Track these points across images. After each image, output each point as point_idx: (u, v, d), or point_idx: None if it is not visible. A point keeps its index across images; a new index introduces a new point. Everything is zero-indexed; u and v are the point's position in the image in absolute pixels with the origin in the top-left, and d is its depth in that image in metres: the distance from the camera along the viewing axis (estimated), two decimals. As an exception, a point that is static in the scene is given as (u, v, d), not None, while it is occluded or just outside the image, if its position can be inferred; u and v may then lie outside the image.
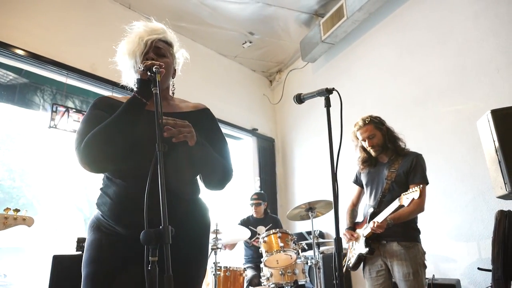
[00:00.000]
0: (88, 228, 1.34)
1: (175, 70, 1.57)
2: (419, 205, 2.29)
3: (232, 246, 4.00)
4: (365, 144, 2.58)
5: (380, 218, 2.28)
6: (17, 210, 2.16)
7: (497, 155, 2.18)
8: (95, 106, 1.39)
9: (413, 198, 2.04)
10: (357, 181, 2.78)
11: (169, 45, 1.52)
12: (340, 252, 1.42)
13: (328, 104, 1.63)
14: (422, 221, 3.06)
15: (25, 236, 3.22)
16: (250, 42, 5.28)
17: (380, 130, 2.55)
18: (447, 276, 3.04)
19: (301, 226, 4.89)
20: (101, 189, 1.37)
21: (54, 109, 3.34)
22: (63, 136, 3.43)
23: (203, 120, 1.50)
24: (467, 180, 3.12)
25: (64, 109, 3.39)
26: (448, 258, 3.17)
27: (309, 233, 4.11)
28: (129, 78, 1.47)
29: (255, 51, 5.55)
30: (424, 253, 2.36)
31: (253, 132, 5.61)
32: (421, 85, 3.66)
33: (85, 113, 1.43)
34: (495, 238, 2.15)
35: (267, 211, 4.28)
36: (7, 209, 2.14)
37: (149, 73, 1.26)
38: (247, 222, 4.04)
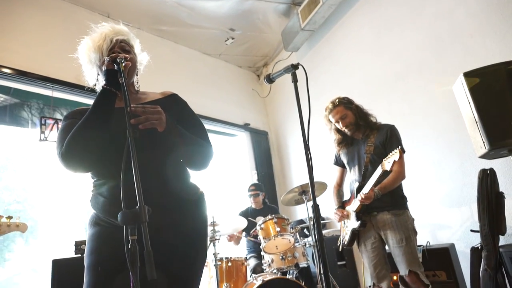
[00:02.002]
0: (88, 224, 1.37)
1: (138, 69, 1.61)
2: (400, 173, 2.38)
3: (237, 240, 4.06)
4: (339, 126, 2.66)
5: (366, 189, 2.34)
6: (10, 217, 2.22)
7: (474, 116, 2.22)
8: (67, 118, 1.44)
9: (394, 160, 2.10)
10: (338, 162, 2.87)
11: (131, 47, 1.56)
12: (318, 218, 1.47)
13: (295, 80, 1.67)
14: (414, 191, 3.12)
15: (22, 243, 3.30)
16: (233, 39, 5.32)
17: (350, 109, 2.64)
18: (443, 242, 3.08)
19: (301, 214, 4.93)
20: (92, 191, 1.39)
21: (43, 122, 3.39)
22: (54, 147, 3.49)
23: (173, 106, 1.52)
24: (453, 147, 3.17)
25: (53, 121, 3.45)
26: (443, 225, 3.21)
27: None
28: (91, 75, 1.51)
29: (239, 47, 5.59)
30: (413, 219, 2.43)
31: (245, 127, 5.66)
32: (401, 60, 3.71)
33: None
34: (479, 196, 2.19)
35: (266, 201, 4.33)
36: (0, 216, 2.20)
37: (115, 65, 1.32)
38: (246, 214, 4.08)
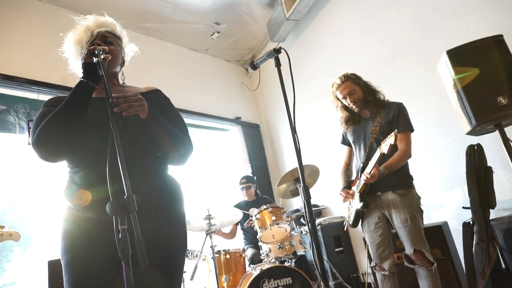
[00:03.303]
0: (61, 220, 1.34)
1: (123, 60, 1.60)
2: (405, 151, 2.36)
3: (232, 234, 4.07)
4: (346, 102, 2.59)
5: (369, 168, 2.30)
6: (2, 227, 2.21)
7: (458, 93, 2.24)
8: (45, 104, 1.42)
9: (390, 144, 2.05)
10: (345, 141, 2.82)
11: (118, 38, 1.55)
12: (308, 199, 1.48)
13: (278, 64, 1.68)
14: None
15: (21, 251, 3.27)
16: (218, 33, 5.30)
17: (358, 84, 2.57)
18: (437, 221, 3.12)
19: (297, 204, 4.95)
20: (66, 181, 1.37)
21: (30, 126, 3.37)
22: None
23: (156, 100, 1.51)
24: (442, 127, 3.20)
25: (40, 124, 3.42)
26: (436, 204, 3.25)
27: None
28: (77, 68, 1.49)
29: (225, 41, 5.57)
30: (419, 197, 2.41)
31: (237, 120, 5.66)
32: (386, 43, 3.72)
33: None
34: (468, 171, 2.22)
35: (258, 192, 4.34)
36: (-8, 226, 2.18)
37: (93, 58, 1.31)
38: (239, 207, 4.09)
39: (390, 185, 2.38)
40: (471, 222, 2.22)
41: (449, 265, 2.57)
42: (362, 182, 2.37)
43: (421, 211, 2.38)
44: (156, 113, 1.40)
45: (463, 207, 2.71)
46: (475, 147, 2.23)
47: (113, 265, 1.21)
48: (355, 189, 2.53)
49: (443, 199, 3.20)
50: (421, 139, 3.37)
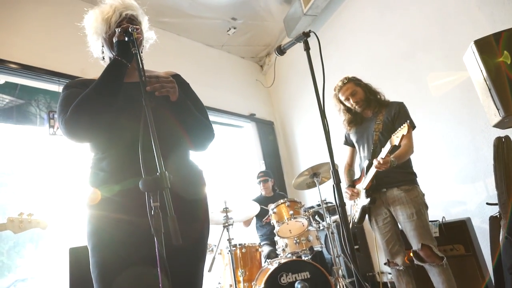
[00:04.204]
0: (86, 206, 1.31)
1: (143, 46, 1.58)
2: (409, 146, 2.38)
3: (247, 222, 4.06)
4: (349, 103, 2.67)
5: (382, 154, 2.30)
6: (30, 214, 2.22)
7: (486, 83, 2.19)
8: (69, 86, 1.39)
9: (403, 135, 2.08)
10: (347, 141, 2.88)
11: (140, 23, 1.54)
12: (338, 182, 1.46)
13: (307, 47, 1.66)
14: (427, 168, 3.10)
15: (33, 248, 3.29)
16: (235, 28, 5.30)
17: (359, 86, 2.66)
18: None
19: (311, 201, 4.91)
20: (91, 167, 1.34)
21: (51, 117, 3.40)
22: (64, 141, 3.49)
23: (177, 85, 1.48)
24: (464, 122, 3.13)
25: (60, 115, 3.45)
26: (457, 201, 3.19)
27: (318, 205, 4.14)
28: (96, 46, 1.48)
29: (241, 37, 5.57)
30: (423, 194, 2.43)
31: (251, 117, 5.66)
32: (406, 38, 3.67)
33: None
34: (496, 164, 2.16)
35: (275, 188, 4.32)
36: (21, 213, 2.20)
37: (125, 36, 1.31)
38: (257, 201, 4.07)
39: (394, 181, 2.43)
40: (498, 216, 2.16)
41: (473, 261, 2.52)
42: (369, 178, 2.42)
43: (427, 207, 2.41)
44: (184, 97, 1.40)
45: (487, 203, 2.66)
46: (503, 139, 2.17)
47: (140, 250, 1.20)
48: (360, 187, 2.58)
49: (465, 196, 3.14)
50: (441, 134, 3.32)
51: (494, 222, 2.18)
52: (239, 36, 5.53)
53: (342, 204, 1.43)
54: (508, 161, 2.11)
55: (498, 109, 2.11)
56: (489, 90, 2.16)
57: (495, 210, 2.76)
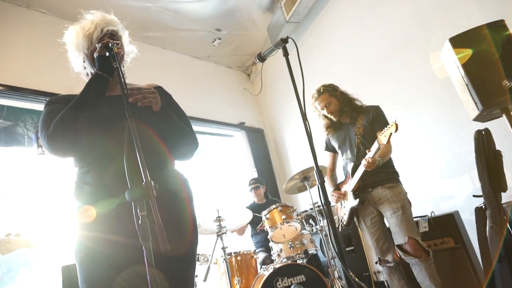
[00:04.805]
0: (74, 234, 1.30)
1: (125, 60, 1.60)
2: (390, 146, 2.48)
3: (241, 231, 4.06)
4: (325, 112, 2.75)
5: (370, 154, 2.35)
6: (18, 234, 2.21)
7: (463, 79, 2.25)
8: (52, 102, 1.40)
9: (391, 133, 2.12)
10: (328, 147, 2.94)
11: (120, 38, 1.55)
12: (322, 182, 1.50)
13: (286, 53, 1.71)
14: (414, 165, 3.14)
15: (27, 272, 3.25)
16: (219, 39, 5.37)
17: (334, 96, 2.72)
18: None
19: (304, 205, 4.93)
20: (75, 182, 1.34)
21: (39, 136, 3.39)
22: (53, 160, 3.49)
23: (160, 96, 1.50)
24: (447, 118, 3.20)
25: (48, 134, 3.45)
26: (445, 195, 3.24)
27: (311, 209, 4.17)
28: (77, 62, 1.50)
29: (226, 47, 5.63)
30: (406, 192, 2.51)
31: (241, 126, 5.69)
32: (387, 39, 3.76)
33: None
34: (477, 156, 2.22)
35: (268, 195, 4.33)
36: (9, 234, 2.18)
37: (106, 51, 1.34)
38: (250, 209, 4.08)
39: (379, 180, 2.51)
40: (483, 207, 2.21)
41: (463, 253, 2.56)
42: (356, 179, 2.47)
43: (410, 204, 2.47)
44: (166, 107, 1.43)
45: (474, 196, 2.70)
46: (483, 132, 2.23)
47: (127, 262, 1.21)
48: (347, 189, 2.63)
49: (452, 190, 3.19)
50: (426, 131, 3.39)
51: (479, 213, 2.22)
52: (224, 47, 5.59)
53: (328, 203, 1.46)
54: (489, 152, 2.16)
55: (476, 103, 2.17)
56: (466, 85, 2.23)
57: (481, 202, 2.82)
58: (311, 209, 3.46)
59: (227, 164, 5.56)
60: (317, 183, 1.48)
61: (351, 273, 1.54)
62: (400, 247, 2.36)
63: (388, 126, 2.18)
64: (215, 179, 5.08)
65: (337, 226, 2.84)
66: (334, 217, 4.10)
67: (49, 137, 1.25)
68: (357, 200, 2.50)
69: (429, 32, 3.31)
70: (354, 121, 2.66)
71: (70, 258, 2.54)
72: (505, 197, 2.28)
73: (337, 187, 2.80)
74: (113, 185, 1.24)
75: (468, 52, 2.21)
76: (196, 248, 1.43)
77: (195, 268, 1.43)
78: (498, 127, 2.73)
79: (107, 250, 1.22)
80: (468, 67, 2.20)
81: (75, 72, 1.58)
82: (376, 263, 2.59)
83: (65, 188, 3.36)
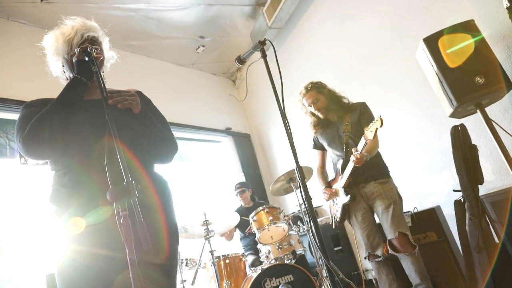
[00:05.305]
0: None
1: (104, 65, 1.61)
2: (376, 140, 2.50)
3: (229, 236, 4.06)
4: (312, 109, 2.77)
5: (358, 150, 2.37)
6: None
7: (438, 77, 2.33)
8: (27, 106, 1.39)
9: (376, 128, 2.13)
10: (316, 145, 2.96)
11: (100, 44, 1.56)
12: (303, 179, 1.53)
13: (264, 55, 1.75)
14: (397, 163, 3.21)
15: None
16: (203, 46, 5.41)
17: (322, 93, 2.75)
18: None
19: (292, 206, 4.97)
20: (52, 185, 1.34)
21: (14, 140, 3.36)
22: (34, 170, 3.46)
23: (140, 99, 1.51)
24: (427, 116, 3.29)
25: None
26: (428, 191, 3.32)
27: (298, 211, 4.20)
28: (56, 66, 1.50)
29: (211, 54, 5.68)
30: (397, 187, 2.56)
31: (227, 131, 5.72)
32: (366, 43, 3.85)
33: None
34: (454, 150, 2.29)
35: (255, 198, 4.36)
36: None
37: (85, 56, 1.35)
38: (237, 213, 4.09)
39: (372, 175, 2.55)
40: (462, 200, 2.28)
41: (445, 246, 2.62)
42: (346, 176, 2.50)
43: (401, 199, 2.53)
44: (146, 110, 1.46)
45: (454, 190, 2.78)
46: (459, 127, 2.31)
47: (108, 271, 1.22)
48: (338, 186, 2.66)
49: (434, 185, 3.27)
50: (407, 130, 3.47)
51: (459, 205, 2.29)
52: (208, 54, 5.63)
53: (308, 198, 1.49)
54: (465, 147, 2.24)
55: (450, 99, 2.25)
56: (441, 83, 2.31)
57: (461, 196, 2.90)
58: (299, 210, 3.50)
59: (215, 170, 5.57)
60: (298, 179, 1.51)
61: (334, 267, 1.56)
62: (389, 242, 2.42)
63: (373, 121, 2.20)
64: (203, 185, 5.07)
65: (330, 223, 2.88)
66: (327, 217, 4.18)
67: (24, 138, 1.24)
68: (349, 196, 2.54)
69: (405, 34, 3.41)
70: (342, 119, 2.69)
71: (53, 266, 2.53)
72: (483, 190, 2.36)
73: (328, 184, 2.82)
74: (91, 187, 1.25)
75: (441, 51, 2.30)
76: (175, 255, 1.41)
77: (176, 273, 1.42)
78: (474, 123, 2.83)
79: (89, 262, 1.23)
80: (441, 65, 2.29)
81: (56, 81, 1.58)
82: (365, 258, 2.62)
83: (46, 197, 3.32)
